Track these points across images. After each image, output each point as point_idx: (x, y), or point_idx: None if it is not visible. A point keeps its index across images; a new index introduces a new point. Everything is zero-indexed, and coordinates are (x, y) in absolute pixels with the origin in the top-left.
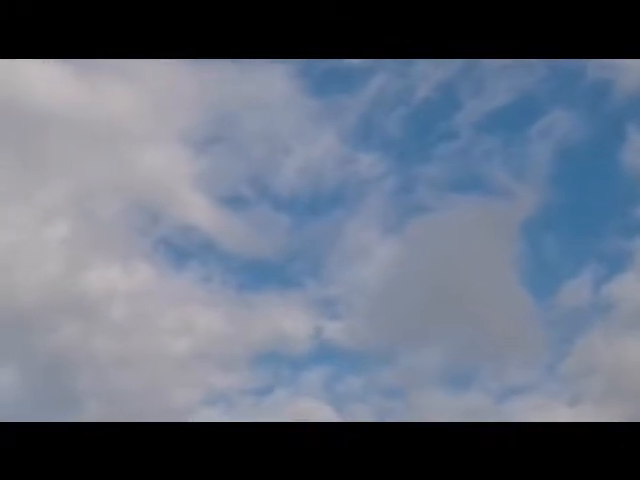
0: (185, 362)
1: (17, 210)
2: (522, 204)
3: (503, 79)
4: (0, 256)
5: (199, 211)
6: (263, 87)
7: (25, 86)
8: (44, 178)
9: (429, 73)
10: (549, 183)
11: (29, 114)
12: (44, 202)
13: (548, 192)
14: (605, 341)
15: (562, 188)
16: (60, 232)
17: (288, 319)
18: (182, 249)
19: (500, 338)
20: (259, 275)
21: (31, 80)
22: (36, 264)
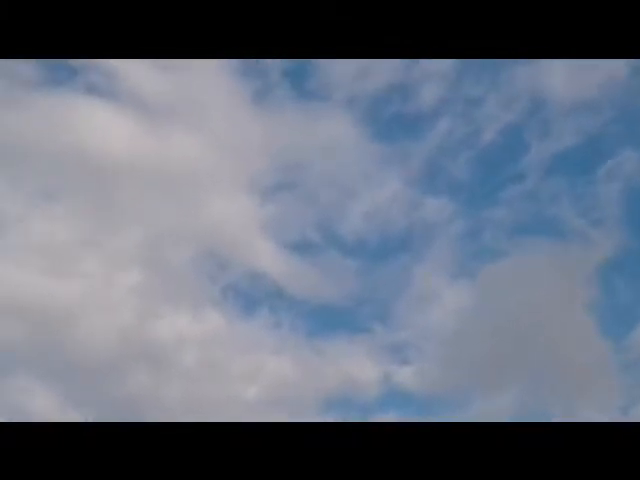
0: (255, 408)
1: (90, 259)
2: (594, 247)
3: (569, 120)
4: (73, 304)
5: (267, 257)
6: (330, 133)
7: (97, 136)
8: (116, 227)
9: (495, 116)
10: (620, 225)
11: (100, 164)
12: (115, 250)
13: (620, 234)
14: None
15: (633, 230)
16: (131, 280)
17: (357, 364)
18: (251, 296)
19: (574, 381)
20: (328, 321)
21: (103, 130)
22: (108, 312)
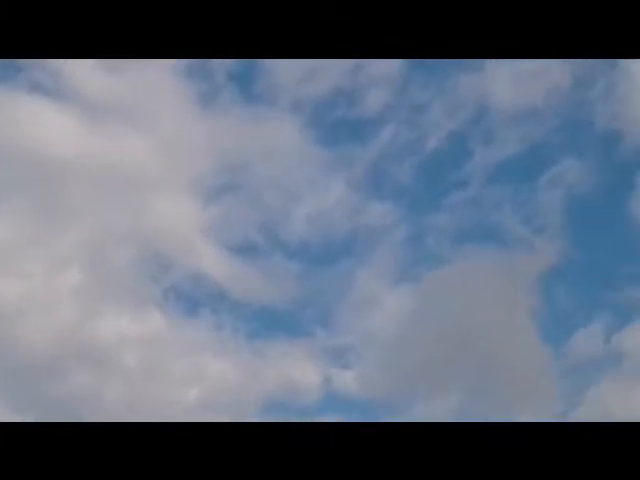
0: (195, 410)
1: (30, 258)
2: (536, 254)
3: (513, 129)
4: (13, 303)
5: (210, 259)
6: (274, 136)
7: (41, 135)
8: (57, 226)
9: (439, 123)
10: (561, 233)
11: (44, 163)
12: (57, 250)
13: (561, 243)
14: (616, 391)
15: (574, 238)
16: (72, 280)
17: (298, 368)
18: (193, 297)
19: (514, 387)
20: (269, 323)
21: (47, 129)
22: (48, 311)
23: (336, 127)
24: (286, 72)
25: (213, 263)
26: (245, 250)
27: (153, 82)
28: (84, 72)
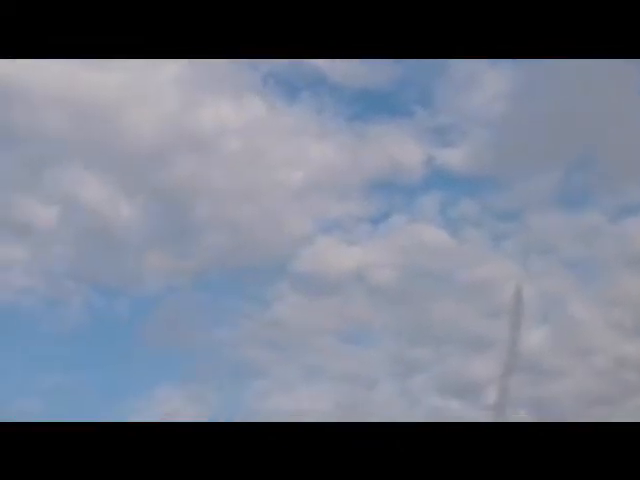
0: (299, 193)
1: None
2: None
3: None
4: (116, 96)
5: None
6: None
7: None
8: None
9: None
10: None
11: None
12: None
13: None
14: None
15: None
16: (171, 70)
17: (400, 148)
18: (292, 83)
19: (620, 161)
20: (370, 105)
21: None
22: (150, 102)
23: None
24: None
25: None
26: None
27: None
28: None
